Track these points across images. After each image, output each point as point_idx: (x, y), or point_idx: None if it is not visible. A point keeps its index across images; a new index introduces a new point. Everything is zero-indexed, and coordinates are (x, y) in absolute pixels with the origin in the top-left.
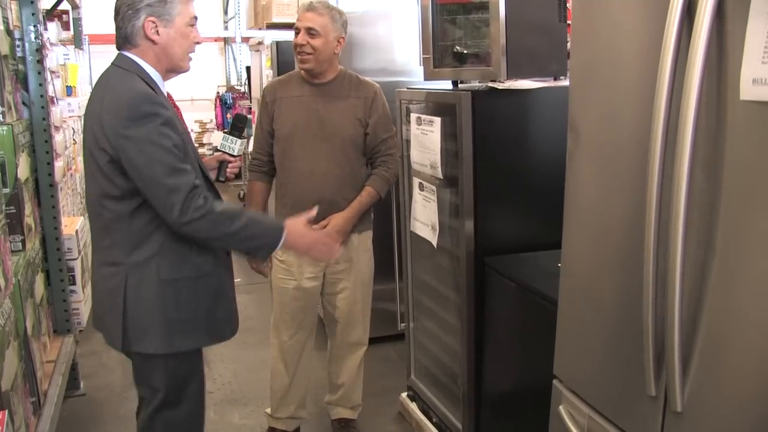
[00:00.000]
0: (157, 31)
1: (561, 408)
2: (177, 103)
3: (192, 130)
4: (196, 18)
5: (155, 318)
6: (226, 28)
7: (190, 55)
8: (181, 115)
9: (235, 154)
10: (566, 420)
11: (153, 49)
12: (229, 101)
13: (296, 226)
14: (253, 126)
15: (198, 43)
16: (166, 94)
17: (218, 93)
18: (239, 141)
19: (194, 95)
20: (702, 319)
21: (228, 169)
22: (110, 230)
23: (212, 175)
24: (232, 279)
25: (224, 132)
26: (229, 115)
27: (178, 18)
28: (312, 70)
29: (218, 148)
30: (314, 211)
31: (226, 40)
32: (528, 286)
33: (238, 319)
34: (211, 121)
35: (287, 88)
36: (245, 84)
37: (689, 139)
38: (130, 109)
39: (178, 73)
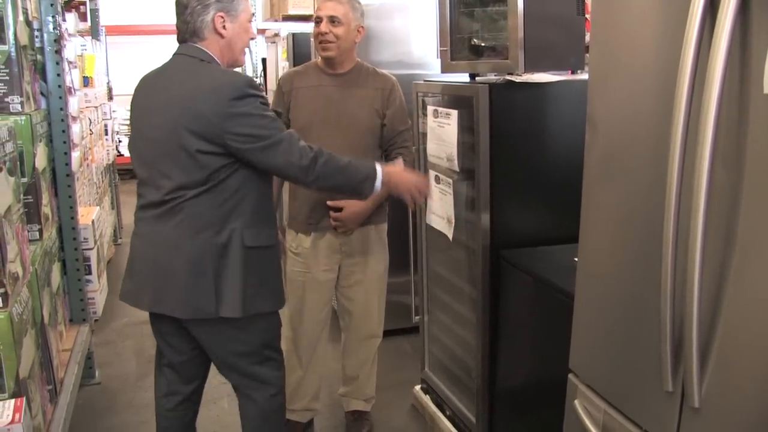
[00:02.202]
0: (224, 25)
1: (576, 402)
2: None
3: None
4: (254, 15)
5: (239, 284)
6: None
7: (246, 49)
8: None
9: None
10: (581, 415)
11: (219, 43)
12: None
13: (389, 166)
14: None
15: (253, 38)
16: None
17: None
18: None
19: None
20: (721, 313)
21: None
22: (198, 206)
23: None
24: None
25: None
26: None
27: (243, 14)
28: (334, 58)
29: None
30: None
31: None
32: (544, 280)
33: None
34: None
35: (304, 78)
36: (261, 76)
37: (710, 133)
38: (234, 91)
39: (235, 67)
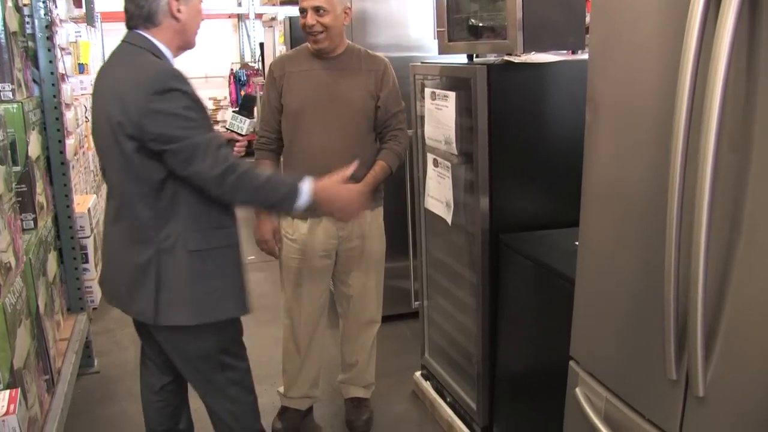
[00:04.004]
0: (179, 8)
1: (577, 390)
2: (191, 80)
3: (207, 108)
4: None
5: (187, 290)
6: (239, 4)
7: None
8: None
9: (244, 133)
10: (583, 403)
11: (173, 27)
12: (243, 78)
13: (324, 180)
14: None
15: (202, 19)
16: None
17: (232, 70)
18: (248, 120)
19: (208, 72)
20: (726, 300)
21: (235, 148)
22: (136, 209)
23: None
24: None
25: (233, 111)
26: (243, 92)
27: None
28: (326, 48)
29: (227, 127)
30: (351, 169)
31: (240, 17)
32: (544, 264)
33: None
34: (225, 98)
35: (296, 63)
36: (259, 61)
37: (716, 113)
38: (155, 84)
39: (187, 50)
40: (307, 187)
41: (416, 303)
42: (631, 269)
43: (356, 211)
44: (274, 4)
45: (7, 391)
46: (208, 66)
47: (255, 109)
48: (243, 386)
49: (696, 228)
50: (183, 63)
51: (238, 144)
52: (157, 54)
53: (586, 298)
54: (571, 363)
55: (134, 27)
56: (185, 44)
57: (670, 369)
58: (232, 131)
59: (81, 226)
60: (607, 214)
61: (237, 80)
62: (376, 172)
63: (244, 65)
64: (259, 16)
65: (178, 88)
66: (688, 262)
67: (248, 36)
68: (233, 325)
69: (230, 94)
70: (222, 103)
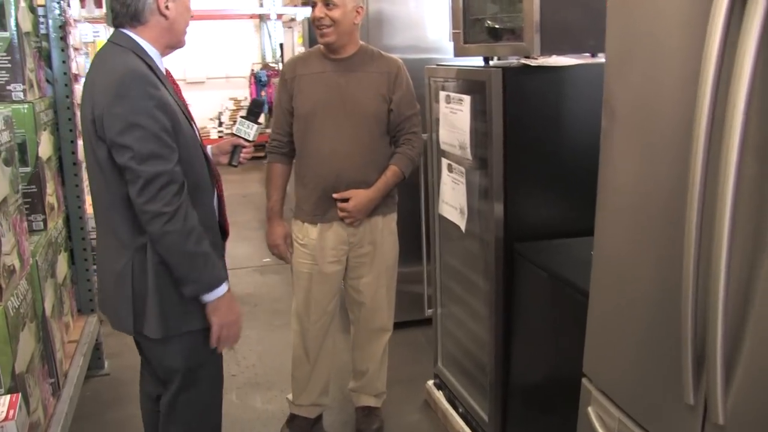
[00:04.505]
0: (167, 5)
1: (590, 409)
2: (212, 81)
3: (227, 108)
4: None
5: (151, 301)
6: (261, 4)
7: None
8: (180, 93)
9: (251, 139)
10: (595, 422)
11: (161, 24)
12: (264, 78)
13: (232, 298)
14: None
15: (191, 17)
16: (164, 71)
17: (253, 70)
18: (255, 126)
19: (229, 72)
20: (749, 321)
21: (242, 154)
22: (113, 214)
23: (224, 159)
24: (225, 263)
25: (240, 116)
26: (263, 93)
27: None
28: (333, 43)
29: (234, 132)
30: None
31: (261, 17)
32: (559, 276)
33: None
34: (246, 98)
35: (307, 65)
36: (279, 61)
37: (740, 120)
38: (119, 87)
39: (176, 48)
40: (218, 293)
41: (429, 310)
42: (647, 284)
43: (234, 336)
44: (295, 5)
45: (8, 396)
46: (230, 66)
47: (263, 114)
48: (200, 415)
49: (716, 244)
50: (205, 63)
51: (245, 150)
52: (140, 54)
53: (601, 313)
54: (584, 380)
55: (120, 26)
56: (174, 43)
57: (687, 393)
58: (239, 137)
59: (92, 227)
60: (623, 226)
61: (257, 81)
62: (388, 177)
63: (265, 66)
64: (280, 16)
65: (143, 91)
66: (708, 279)
67: (269, 36)
68: (201, 341)
69: (250, 95)
70: (242, 104)
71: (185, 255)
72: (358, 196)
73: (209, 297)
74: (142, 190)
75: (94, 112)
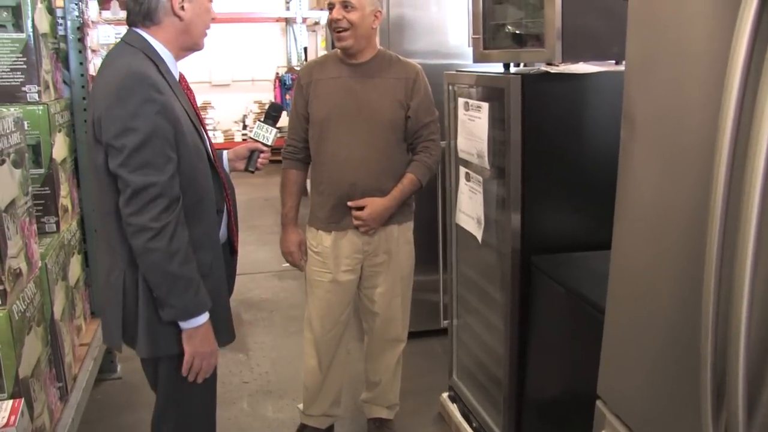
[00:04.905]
0: (183, 6)
1: None
2: (238, 83)
3: (251, 111)
4: None
5: (140, 319)
6: (287, 8)
7: (206, 32)
8: (193, 99)
9: (269, 143)
10: None
11: (176, 26)
12: (289, 82)
13: (209, 330)
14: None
15: (213, 19)
16: (177, 75)
17: (278, 74)
18: (274, 130)
19: (255, 76)
20: None
21: (259, 159)
22: (108, 222)
23: (241, 165)
24: (231, 284)
25: (259, 120)
26: (288, 96)
27: None
28: (350, 48)
29: (251, 136)
30: None
31: (288, 21)
32: (576, 292)
33: (232, 329)
34: (271, 102)
35: (323, 70)
36: (303, 64)
37: (766, 134)
38: (120, 88)
39: (193, 51)
40: (195, 322)
41: (445, 321)
42: (665, 304)
43: (207, 368)
44: (322, 9)
45: (10, 402)
46: (255, 69)
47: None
48: None
49: (740, 262)
50: (231, 65)
51: (262, 155)
52: (151, 55)
53: (616, 332)
54: (598, 403)
55: (133, 24)
56: (190, 45)
57: (706, 425)
58: (257, 141)
59: None
60: (642, 240)
61: (282, 84)
62: (404, 186)
63: (290, 69)
64: (306, 20)
65: (144, 95)
66: (730, 300)
67: (295, 40)
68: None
69: (275, 98)
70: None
71: (166, 276)
72: (374, 205)
73: (185, 324)
74: (130, 200)
75: (94, 113)
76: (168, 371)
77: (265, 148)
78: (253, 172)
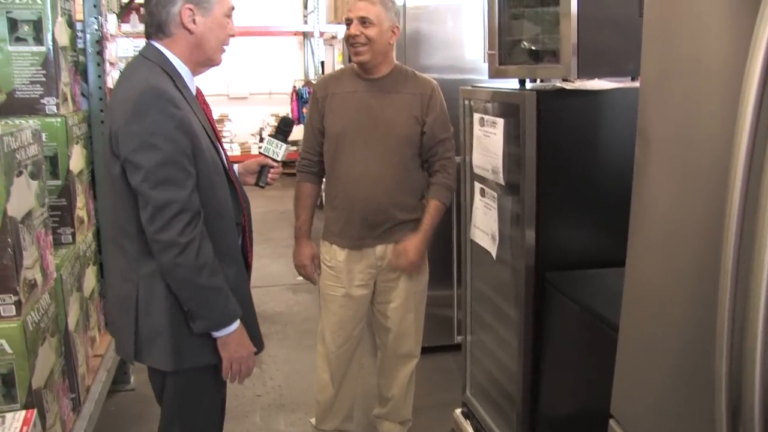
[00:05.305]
0: (194, 19)
1: None
2: (255, 96)
3: (268, 124)
4: (233, 8)
5: (164, 332)
6: (305, 21)
7: (224, 47)
8: (210, 113)
9: (279, 159)
10: None
11: (187, 39)
12: (306, 95)
13: (243, 334)
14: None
15: (232, 35)
16: (194, 90)
17: (295, 87)
18: (284, 146)
19: (272, 89)
20: None
21: (270, 174)
22: (121, 235)
23: (251, 180)
24: (250, 294)
25: (269, 135)
26: (305, 110)
27: (217, 7)
28: (367, 62)
29: (261, 151)
30: None
31: (305, 34)
32: (591, 310)
33: (261, 339)
34: (288, 115)
35: (339, 84)
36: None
37: None
38: (137, 103)
39: (209, 67)
40: (228, 330)
41: (459, 337)
42: (680, 323)
43: (247, 371)
44: (339, 23)
45: (23, 412)
46: (273, 82)
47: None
48: None
49: (755, 281)
50: (249, 78)
51: (273, 170)
52: (168, 69)
53: (630, 351)
54: (612, 422)
55: (149, 37)
56: (204, 60)
57: None
58: (267, 156)
59: None
60: (656, 260)
61: (299, 97)
62: (432, 215)
63: (307, 83)
64: (323, 34)
65: (163, 110)
66: (744, 321)
67: (312, 54)
68: (211, 372)
69: (292, 111)
70: None
71: (196, 289)
72: (409, 250)
73: (218, 333)
74: (153, 217)
75: (111, 127)
76: (175, 386)
77: (275, 164)
78: (263, 187)
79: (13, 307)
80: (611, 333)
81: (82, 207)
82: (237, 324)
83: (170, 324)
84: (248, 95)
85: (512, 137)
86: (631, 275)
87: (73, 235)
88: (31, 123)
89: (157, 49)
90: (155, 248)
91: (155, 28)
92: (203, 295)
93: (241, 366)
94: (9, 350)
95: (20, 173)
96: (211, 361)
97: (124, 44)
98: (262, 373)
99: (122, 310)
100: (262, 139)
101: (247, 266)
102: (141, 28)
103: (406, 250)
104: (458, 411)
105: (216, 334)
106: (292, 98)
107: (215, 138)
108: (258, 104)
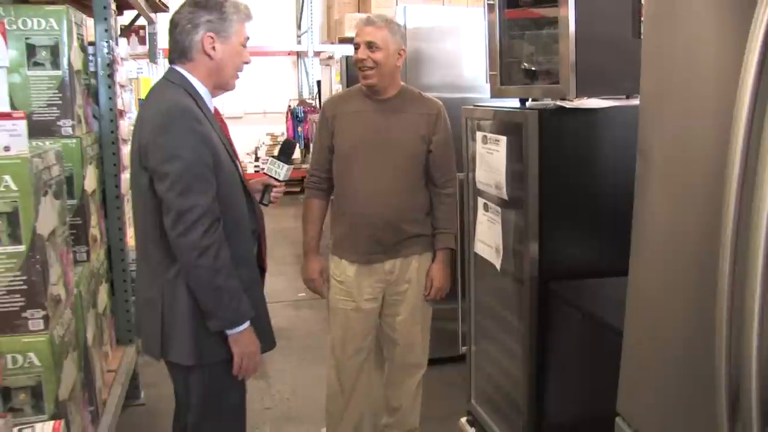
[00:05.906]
0: (214, 46)
1: None
2: (250, 116)
3: (263, 143)
4: (248, 38)
5: (186, 330)
6: (299, 42)
7: (238, 73)
8: (227, 131)
9: (281, 179)
10: None
11: (207, 64)
12: (301, 115)
13: (252, 332)
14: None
15: (247, 63)
16: (212, 110)
17: (290, 106)
18: (286, 166)
19: (267, 108)
20: None
21: (273, 193)
22: (148, 242)
23: (256, 198)
24: (264, 296)
25: (272, 156)
26: (300, 129)
27: (234, 36)
28: (375, 85)
29: (265, 171)
30: None
31: (299, 54)
32: (593, 316)
33: (273, 338)
34: (282, 134)
35: (348, 104)
36: (316, 98)
37: None
38: (165, 119)
39: (225, 90)
40: (240, 328)
41: (464, 348)
42: (680, 325)
43: (254, 366)
44: (333, 43)
45: (51, 423)
46: (267, 102)
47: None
48: None
49: (749, 288)
50: (243, 98)
51: (276, 189)
52: (189, 90)
53: (634, 352)
54: (618, 420)
55: (172, 62)
56: (221, 84)
57: None
58: (270, 176)
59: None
60: (657, 270)
61: (294, 116)
62: (444, 259)
63: (302, 102)
64: (317, 54)
65: (186, 125)
66: (742, 322)
67: (306, 73)
68: (227, 372)
69: (287, 130)
70: (279, 139)
71: (213, 290)
72: (437, 280)
73: (231, 331)
74: (176, 222)
75: (140, 142)
76: (203, 378)
77: (277, 183)
78: (266, 205)
79: (41, 321)
80: (614, 338)
81: (95, 225)
82: (248, 324)
83: (191, 322)
84: (243, 114)
85: (515, 154)
86: (633, 283)
87: (88, 253)
88: (54, 145)
89: (180, 73)
90: (177, 251)
91: (178, 54)
92: (219, 295)
93: (250, 361)
94: (38, 363)
95: (46, 192)
96: (227, 356)
97: (129, 66)
98: (269, 386)
99: (149, 311)
100: (257, 158)
101: (263, 271)
102: (140, 50)
103: (432, 278)
104: (464, 419)
105: (228, 332)
106: (287, 117)
107: (233, 153)
108: (253, 123)
